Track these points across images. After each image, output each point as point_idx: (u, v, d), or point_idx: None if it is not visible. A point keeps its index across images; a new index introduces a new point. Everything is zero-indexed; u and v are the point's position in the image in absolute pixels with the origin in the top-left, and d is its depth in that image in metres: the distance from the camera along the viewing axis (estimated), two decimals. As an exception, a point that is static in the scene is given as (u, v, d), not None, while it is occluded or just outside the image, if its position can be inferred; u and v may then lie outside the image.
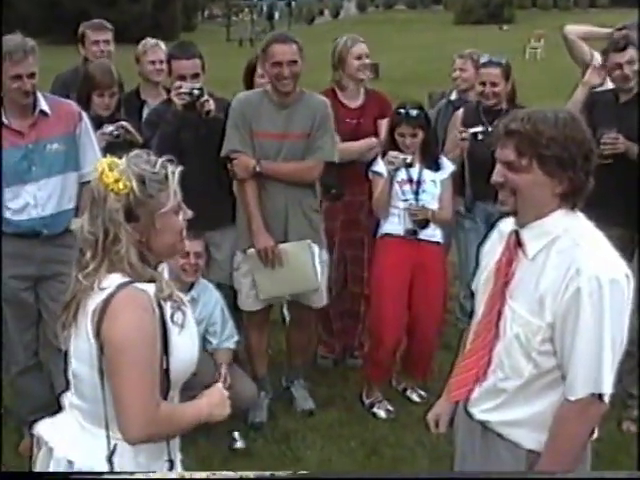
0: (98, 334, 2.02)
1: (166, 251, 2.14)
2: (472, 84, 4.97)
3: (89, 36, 5.09)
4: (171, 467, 2.15)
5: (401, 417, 4.41)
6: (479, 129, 4.50)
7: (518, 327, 2.21)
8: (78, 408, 2.15)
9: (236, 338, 4.14)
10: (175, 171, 2.08)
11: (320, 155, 4.14)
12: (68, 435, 2.15)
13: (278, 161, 4.12)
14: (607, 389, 2.14)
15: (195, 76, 4.15)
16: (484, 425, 2.34)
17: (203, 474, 2.12)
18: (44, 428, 2.22)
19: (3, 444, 3.83)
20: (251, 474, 2.12)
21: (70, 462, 2.10)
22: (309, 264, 4.12)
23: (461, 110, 4.79)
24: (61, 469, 2.11)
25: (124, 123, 4.13)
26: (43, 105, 3.66)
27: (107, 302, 2.01)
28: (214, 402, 2.21)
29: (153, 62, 4.90)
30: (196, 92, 4.02)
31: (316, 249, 4.16)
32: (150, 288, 2.06)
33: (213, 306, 4.07)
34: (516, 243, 2.26)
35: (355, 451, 4.07)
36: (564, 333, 2.14)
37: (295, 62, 4.01)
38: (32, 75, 3.54)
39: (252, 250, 4.14)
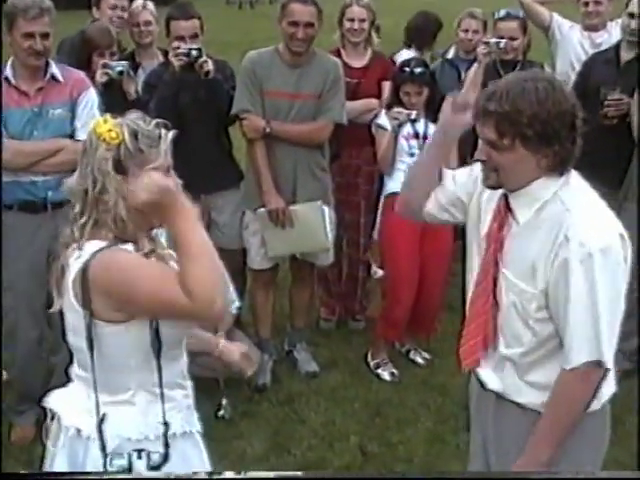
0: (84, 304, 2.00)
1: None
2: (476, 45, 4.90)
3: None
4: (166, 430, 2.11)
5: (405, 379, 4.42)
6: (502, 40, 4.48)
7: (514, 295, 2.18)
8: (82, 379, 2.15)
9: (237, 303, 4.14)
10: (168, 133, 2.05)
11: (330, 116, 4.14)
12: (75, 404, 2.15)
13: (288, 121, 4.11)
14: (607, 356, 2.12)
15: (194, 37, 4.10)
16: (497, 394, 2.33)
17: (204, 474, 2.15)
18: (54, 399, 2.22)
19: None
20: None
21: (78, 430, 2.10)
22: (320, 225, 4.13)
23: (475, 67, 4.66)
24: (70, 436, 2.11)
25: (126, 63, 4.08)
26: (55, 70, 3.60)
27: (84, 271, 1.99)
28: None
29: (138, 24, 4.79)
30: (194, 53, 3.97)
31: (326, 210, 4.17)
32: (129, 247, 2.04)
33: None
34: (506, 208, 2.21)
35: (359, 413, 4.09)
36: (557, 301, 2.11)
37: (312, 25, 3.99)
38: (46, 36, 3.47)
39: (262, 210, 4.15)
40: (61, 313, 2.15)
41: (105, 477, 2.08)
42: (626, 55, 4.26)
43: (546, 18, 4.99)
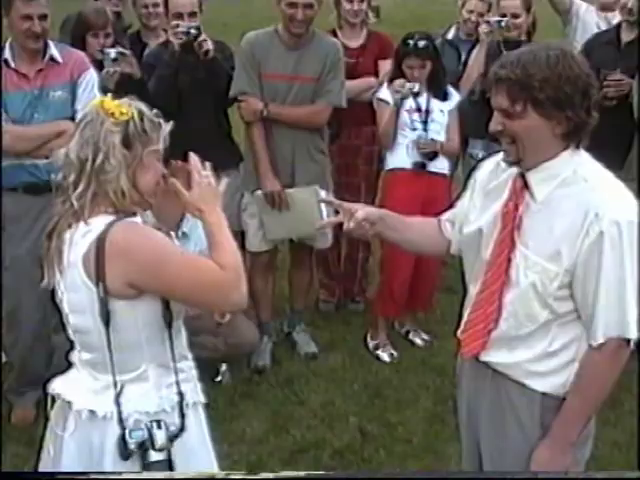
0: (98, 282, 2.00)
1: (147, 191, 2.11)
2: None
3: None
4: (181, 400, 2.14)
5: (404, 360, 4.43)
6: (504, 18, 4.45)
7: (534, 274, 2.14)
8: (88, 362, 2.14)
9: None
10: (167, 124, 2.12)
11: (329, 99, 4.12)
12: (84, 387, 2.15)
13: (287, 103, 4.09)
14: (633, 333, 2.12)
15: (192, 15, 4.07)
16: (495, 370, 2.30)
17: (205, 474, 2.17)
18: (59, 385, 2.21)
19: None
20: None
21: (92, 411, 2.10)
22: (315, 210, 4.08)
23: (477, 48, 4.64)
24: (83, 420, 2.11)
25: (122, 50, 4.04)
26: (54, 51, 3.58)
27: (100, 243, 1.99)
28: None
29: (146, 6, 4.77)
30: (193, 32, 3.93)
31: (323, 194, 4.13)
32: (138, 219, 2.09)
33: (201, 240, 4.01)
34: (522, 186, 2.19)
35: (358, 394, 4.10)
36: (586, 278, 2.09)
37: (311, 6, 3.94)
38: (44, 17, 3.45)
39: (259, 192, 4.14)
40: (52, 297, 2.15)
41: (105, 477, 2.09)
42: (626, 36, 4.25)
43: (566, 2, 4.97)
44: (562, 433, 2.21)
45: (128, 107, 2.05)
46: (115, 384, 2.08)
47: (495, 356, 2.29)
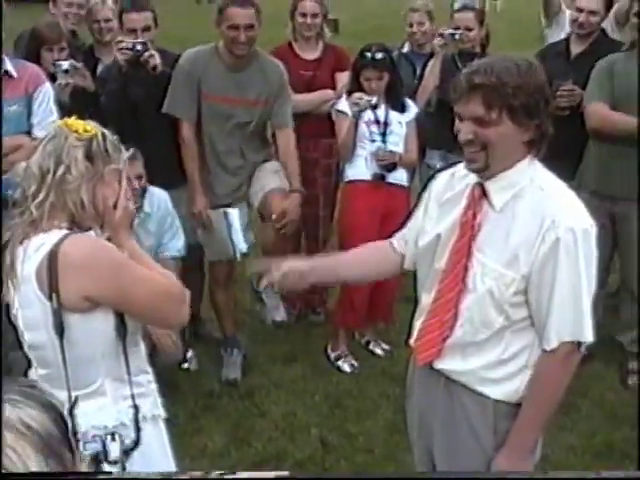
0: (51, 294, 1.99)
1: (104, 208, 2.12)
2: (429, 37, 4.92)
3: None
4: (136, 413, 2.15)
5: (365, 370, 4.45)
6: (458, 31, 4.51)
7: (491, 280, 2.17)
8: (45, 378, 2.13)
9: (180, 245, 4.04)
10: (126, 152, 2.21)
11: (281, 124, 4.18)
12: None
13: (228, 126, 4.07)
14: (589, 336, 2.16)
15: (146, 29, 4.07)
16: (448, 377, 2.33)
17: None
18: None
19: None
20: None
21: None
22: (224, 233, 4.10)
23: (432, 60, 4.69)
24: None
25: (75, 62, 4.01)
26: (8, 66, 3.55)
27: (53, 256, 1.99)
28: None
29: (99, 21, 4.68)
30: (139, 47, 3.92)
31: (235, 214, 4.10)
32: (91, 233, 2.11)
33: (164, 217, 3.97)
34: (481, 195, 2.22)
35: (319, 405, 4.11)
36: (541, 284, 2.13)
37: (252, 26, 3.92)
38: None
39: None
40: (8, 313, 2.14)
41: (105, 477, 2.07)
42: (576, 48, 4.34)
43: (556, 7, 5.10)
44: (519, 440, 2.24)
45: (92, 127, 2.10)
46: (70, 398, 2.07)
47: (449, 364, 2.31)
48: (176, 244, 4.01)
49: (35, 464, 1.08)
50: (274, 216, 4.04)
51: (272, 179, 4.16)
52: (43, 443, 1.11)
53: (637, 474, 3.17)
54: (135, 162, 3.64)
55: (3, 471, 1.07)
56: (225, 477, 2.20)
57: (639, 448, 3.31)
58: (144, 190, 3.82)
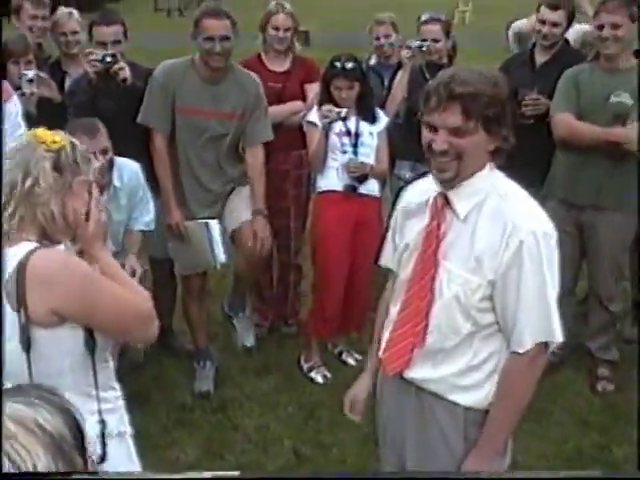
0: (19, 308, 1.98)
1: (74, 220, 2.12)
2: (395, 49, 4.96)
3: (27, 9, 4.87)
4: (103, 429, 2.13)
5: (338, 381, 4.45)
6: (425, 42, 4.53)
7: (457, 286, 2.20)
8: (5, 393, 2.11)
9: (149, 219, 3.98)
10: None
11: (260, 140, 4.20)
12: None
13: (203, 139, 4.07)
14: (558, 336, 2.20)
15: (116, 43, 4.07)
16: (419, 386, 2.35)
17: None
18: None
19: None
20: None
21: None
22: (205, 244, 4.10)
23: (400, 72, 4.71)
24: None
25: (39, 72, 4.00)
26: None
27: (22, 269, 1.98)
28: None
29: (65, 34, 4.66)
30: (108, 59, 3.91)
31: (217, 228, 4.12)
32: (61, 247, 2.10)
33: (135, 188, 3.89)
34: (444, 205, 2.24)
35: (292, 416, 4.10)
36: (507, 288, 2.16)
37: (227, 38, 3.92)
38: None
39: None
40: None
41: (105, 477, 2.05)
42: (540, 58, 4.42)
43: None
44: (488, 443, 2.27)
45: (61, 137, 2.09)
46: None
47: (419, 372, 2.33)
48: (145, 218, 3.95)
49: (44, 464, 1.11)
50: (249, 243, 4.13)
51: (248, 208, 4.19)
52: (54, 445, 1.13)
53: (637, 474, 3.20)
54: (98, 135, 3.54)
55: (4, 470, 1.07)
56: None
57: (639, 448, 3.36)
58: (111, 164, 3.71)
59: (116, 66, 3.93)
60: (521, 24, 5.39)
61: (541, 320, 2.18)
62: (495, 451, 2.27)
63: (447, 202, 2.24)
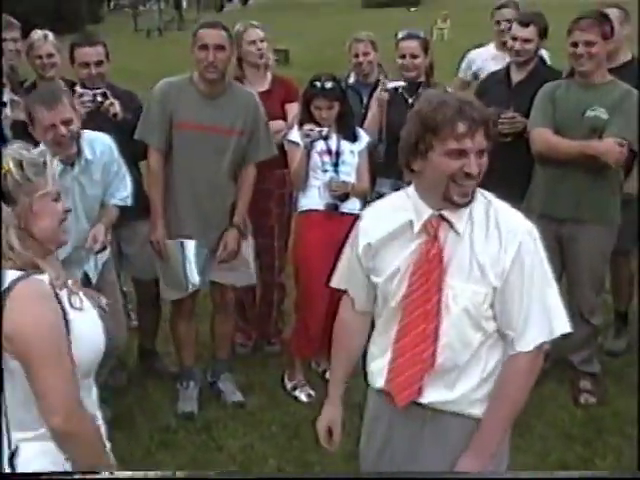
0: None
1: (47, 237, 2.10)
2: (374, 67, 4.99)
3: None
4: None
5: (322, 399, 4.40)
6: (400, 83, 4.55)
7: (465, 300, 2.24)
8: None
9: (125, 194, 3.91)
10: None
11: (261, 157, 4.20)
12: None
13: (200, 154, 4.02)
14: (567, 327, 2.30)
15: (98, 64, 4.10)
16: (435, 409, 2.35)
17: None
18: None
19: None
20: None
21: None
22: (179, 265, 4.09)
23: (379, 90, 4.73)
24: None
25: (13, 95, 4.00)
26: None
27: (2, 300, 1.96)
28: None
29: (41, 57, 4.57)
30: (99, 98, 3.94)
31: (191, 246, 4.08)
32: (45, 277, 2.04)
33: (109, 163, 3.80)
34: (439, 225, 2.27)
35: (277, 435, 4.09)
36: (511, 291, 2.22)
37: (222, 47, 3.92)
38: None
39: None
40: None
41: (104, 477, 2.05)
42: (516, 76, 4.47)
43: None
44: (481, 444, 2.30)
45: (4, 161, 2.01)
46: (10, 444, 2.03)
47: (435, 395, 2.34)
48: (122, 193, 3.89)
49: None
50: (218, 253, 4.13)
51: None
52: None
53: (637, 474, 3.20)
54: (58, 106, 3.40)
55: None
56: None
57: (639, 448, 3.39)
58: (77, 135, 3.57)
59: (107, 102, 3.95)
60: (475, 55, 5.53)
61: (544, 320, 2.26)
62: (488, 452, 2.31)
63: (442, 221, 2.28)
